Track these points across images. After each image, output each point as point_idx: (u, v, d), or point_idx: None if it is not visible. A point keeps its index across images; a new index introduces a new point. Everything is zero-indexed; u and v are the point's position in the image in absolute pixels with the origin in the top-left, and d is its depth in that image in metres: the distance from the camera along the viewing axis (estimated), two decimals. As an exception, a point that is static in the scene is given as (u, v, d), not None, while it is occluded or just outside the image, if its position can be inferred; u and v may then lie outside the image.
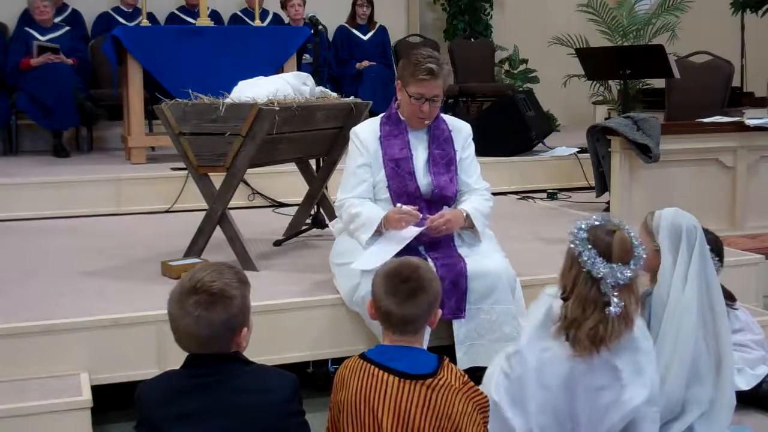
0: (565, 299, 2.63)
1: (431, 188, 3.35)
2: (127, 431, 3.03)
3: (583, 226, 2.60)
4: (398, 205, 3.27)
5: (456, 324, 3.20)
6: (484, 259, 3.27)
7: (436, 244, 3.30)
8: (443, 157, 3.39)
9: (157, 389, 2.13)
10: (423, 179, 3.35)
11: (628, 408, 2.55)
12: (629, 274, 2.55)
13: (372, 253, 3.20)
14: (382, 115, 3.46)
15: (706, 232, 3.04)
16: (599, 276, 2.53)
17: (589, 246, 2.55)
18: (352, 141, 3.43)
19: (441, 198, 3.37)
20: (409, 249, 3.20)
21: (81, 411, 2.84)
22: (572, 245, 2.59)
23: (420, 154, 3.39)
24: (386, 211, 3.27)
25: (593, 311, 2.54)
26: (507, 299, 3.23)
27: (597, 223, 2.61)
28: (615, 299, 2.52)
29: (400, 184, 3.33)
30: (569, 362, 2.56)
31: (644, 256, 2.60)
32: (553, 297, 2.68)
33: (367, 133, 3.40)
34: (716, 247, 3.21)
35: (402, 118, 3.39)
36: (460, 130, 3.48)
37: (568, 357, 2.57)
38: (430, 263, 3.10)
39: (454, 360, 3.04)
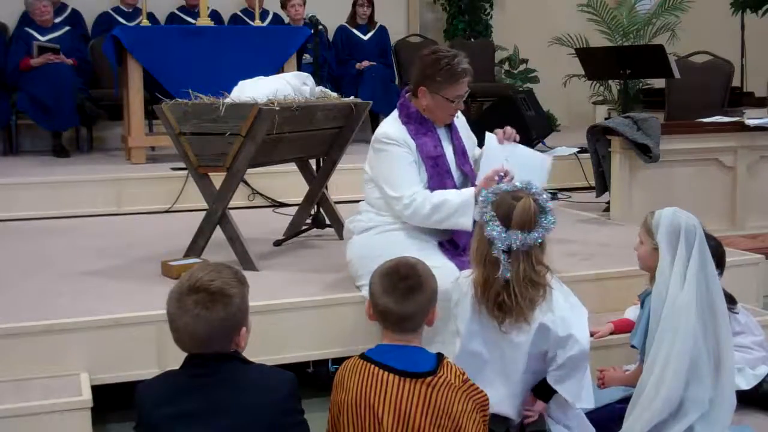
0: None
1: (466, 183, 3.35)
2: (127, 431, 3.03)
3: (497, 189, 2.66)
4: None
5: None
6: None
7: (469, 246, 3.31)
8: (461, 148, 3.42)
9: (156, 389, 2.13)
10: (456, 174, 3.36)
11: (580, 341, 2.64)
12: (526, 241, 2.59)
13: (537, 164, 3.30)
14: (396, 115, 3.38)
15: (709, 238, 3.02)
16: (490, 237, 2.59)
17: (491, 208, 2.62)
18: (387, 144, 3.29)
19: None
20: (447, 249, 3.28)
21: (81, 411, 2.84)
22: (478, 205, 2.66)
23: (449, 150, 3.39)
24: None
25: (494, 274, 2.60)
26: None
27: (510, 189, 2.67)
28: (504, 263, 2.57)
29: (439, 182, 3.30)
30: (510, 342, 2.65)
31: (551, 227, 2.64)
32: (470, 284, 2.72)
33: (400, 134, 3.31)
34: (717, 253, 3.17)
35: (425, 116, 3.35)
36: (458, 116, 3.52)
37: (504, 336, 2.66)
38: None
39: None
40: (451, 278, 3.07)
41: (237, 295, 2.12)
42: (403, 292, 2.35)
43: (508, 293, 2.60)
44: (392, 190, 3.27)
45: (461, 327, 2.75)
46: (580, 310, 2.73)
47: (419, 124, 3.34)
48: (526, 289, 2.60)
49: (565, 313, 2.67)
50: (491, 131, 3.44)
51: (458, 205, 3.18)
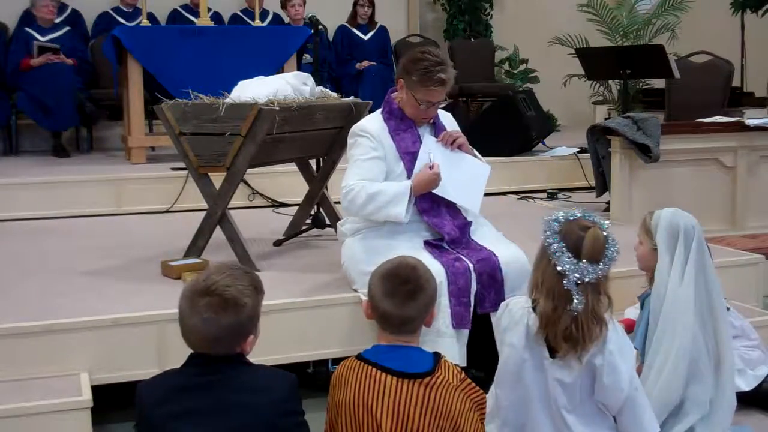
0: (535, 309, 2.54)
1: None
2: (127, 431, 3.04)
3: (559, 218, 2.52)
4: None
5: (495, 315, 3.12)
6: (505, 249, 3.30)
7: (457, 241, 3.32)
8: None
9: (156, 388, 2.13)
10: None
11: (623, 383, 2.48)
12: (596, 273, 2.46)
13: (461, 193, 3.28)
14: (380, 111, 3.44)
15: None
16: (563, 270, 2.45)
17: (559, 239, 2.48)
18: (359, 136, 3.35)
19: None
20: (434, 246, 3.26)
21: (81, 411, 2.84)
22: (543, 236, 2.51)
23: None
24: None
25: (563, 308, 2.45)
26: None
27: (572, 217, 2.53)
28: (577, 295, 2.44)
29: None
30: (552, 374, 2.50)
31: (615, 258, 2.50)
32: (524, 313, 2.57)
33: (376, 129, 3.36)
34: None
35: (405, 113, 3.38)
36: (446, 116, 3.54)
37: (549, 366, 2.50)
38: (465, 261, 3.15)
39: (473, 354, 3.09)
40: (437, 278, 3.01)
41: (249, 305, 2.12)
42: (404, 296, 2.33)
43: (576, 326, 2.45)
44: (343, 180, 3.33)
45: (506, 350, 2.59)
46: (628, 353, 2.55)
47: (400, 120, 3.37)
48: (591, 322, 2.47)
49: (614, 358, 2.50)
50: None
51: (393, 196, 3.22)
